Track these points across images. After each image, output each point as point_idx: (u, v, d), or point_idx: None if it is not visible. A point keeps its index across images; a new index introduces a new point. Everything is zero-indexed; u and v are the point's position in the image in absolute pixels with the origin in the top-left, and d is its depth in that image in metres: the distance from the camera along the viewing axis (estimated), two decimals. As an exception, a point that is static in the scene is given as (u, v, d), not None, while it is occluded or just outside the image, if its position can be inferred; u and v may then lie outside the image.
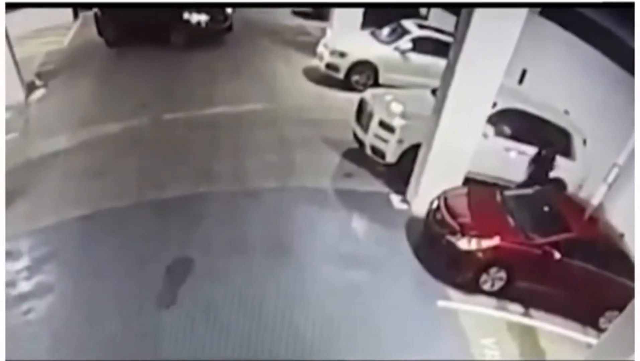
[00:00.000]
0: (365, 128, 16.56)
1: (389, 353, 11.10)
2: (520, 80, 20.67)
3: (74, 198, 14.28)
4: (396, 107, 16.07)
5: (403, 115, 15.87)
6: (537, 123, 16.16)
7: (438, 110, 14.17)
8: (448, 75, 13.86)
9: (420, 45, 21.93)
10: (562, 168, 16.34)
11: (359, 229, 15.03)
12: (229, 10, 26.19)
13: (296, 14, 32.71)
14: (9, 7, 16.20)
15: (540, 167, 16.01)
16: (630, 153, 15.31)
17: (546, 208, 13.84)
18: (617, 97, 16.14)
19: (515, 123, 16.06)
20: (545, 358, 11.93)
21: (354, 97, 18.05)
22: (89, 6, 24.09)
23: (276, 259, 13.05)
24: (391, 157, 16.11)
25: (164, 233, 13.41)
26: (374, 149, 16.35)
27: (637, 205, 13.98)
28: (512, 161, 16.12)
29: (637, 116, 14.48)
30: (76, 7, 26.81)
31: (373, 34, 22.92)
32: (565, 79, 18.44)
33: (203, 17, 24.61)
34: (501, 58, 13.31)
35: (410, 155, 15.59)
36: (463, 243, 12.73)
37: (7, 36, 17.30)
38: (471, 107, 13.76)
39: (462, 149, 14.28)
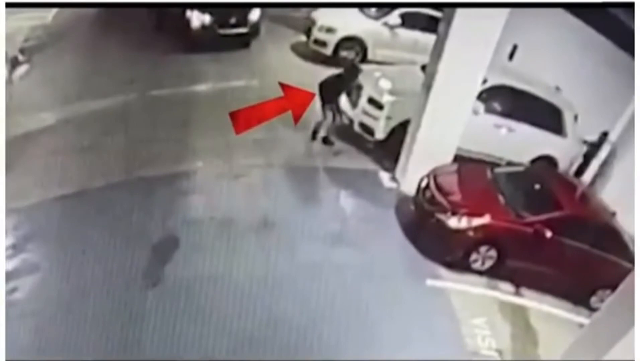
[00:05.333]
0: (354, 105, 16.38)
1: (378, 333, 11.08)
2: (511, 56, 20.51)
3: (59, 176, 14.07)
4: (385, 84, 15.92)
5: (392, 92, 15.71)
6: (528, 100, 16.04)
7: (427, 86, 14.02)
8: (437, 51, 13.70)
9: (409, 20, 21.68)
10: (553, 145, 16.23)
11: (348, 207, 14.87)
12: (254, 16, 22.17)
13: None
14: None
15: None
16: (622, 131, 15.25)
17: (537, 186, 13.79)
18: (610, 74, 16.03)
19: (505, 99, 15.96)
20: (537, 338, 11.89)
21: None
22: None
23: (263, 237, 12.98)
24: (380, 134, 15.98)
25: (150, 211, 13.28)
26: (363, 126, 16.20)
27: (638, 187, 13.83)
28: (503, 138, 15.98)
29: (637, 107, 14.46)
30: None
31: (362, 9, 22.61)
32: (556, 55, 18.30)
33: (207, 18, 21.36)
34: (491, 33, 13.18)
35: (400, 132, 15.42)
36: (453, 222, 12.64)
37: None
38: (461, 83, 13.62)
39: (452, 126, 14.16)
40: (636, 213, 13.73)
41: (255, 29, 22.45)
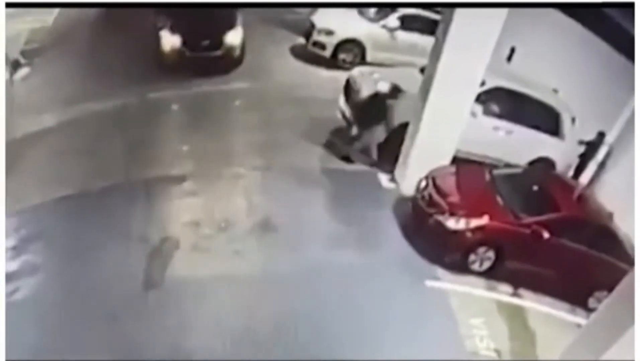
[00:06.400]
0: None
1: (377, 333, 11.11)
2: (509, 58, 20.55)
3: (60, 178, 14.18)
4: (383, 86, 15.89)
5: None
6: (526, 102, 16.08)
7: (426, 88, 14.04)
8: (436, 53, 13.72)
9: (408, 22, 21.65)
10: (550, 147, 16.29)
11: (347, 209, 14.87)
12: (231, 38, 20.01)
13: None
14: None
15: None
16: (619, 132, 15.29)
17: (535, 188, 13.81)
18: (606, 76, 16.07)
19: (503, 102, 15.96)
20: (535, 339, 11.95)
21: (342, 76, 17.92)
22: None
23: (263, 238, 13.03)
24: (379, 136, 15.95)
25: (150, 213, 13.40)
26: (362, 128, 16.15)
27: (637, 189, 13.87)
28: (501, 140, 16.01)
29: (637, 109, 14.52)
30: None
31: (360, 11, 22.63)
32: (554, 57, 18.33)
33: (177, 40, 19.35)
34: (489, 36, 13.18)
35: (399, 134, 15.45)
36: (451, 223, 12.69)
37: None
38: (459, 85, 13.64)
39: (450, 128, 14.19)
40: (636, 215, 13.77)
41: (235, 53, 20.38)
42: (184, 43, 19.36)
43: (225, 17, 20.31)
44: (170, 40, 19.30)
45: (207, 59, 19.84)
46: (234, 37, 20.09)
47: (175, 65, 19.68)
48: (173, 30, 19.38)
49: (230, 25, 20.12)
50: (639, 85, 14.01)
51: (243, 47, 20.74)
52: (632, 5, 12.20)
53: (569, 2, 16.46)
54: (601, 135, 16.03)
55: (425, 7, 21.40)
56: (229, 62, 20.39)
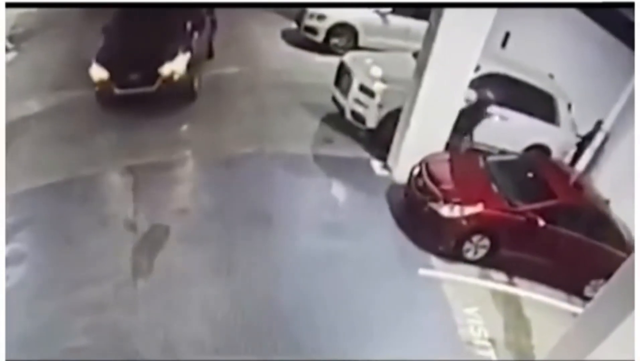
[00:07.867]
0: (345, 93, 16.25)
1: (369, 322, 11.00)
2: (504, 44, 20.41)
3: (46, 164, 14.11)
4: (376, 71, 15.76)
5: (383, 79, 15.55)
6: (521, 88, 15.92)
7: (419, 74, 13.90)
8: (429, 38, 13.57)
9: (400, 7, 21.51)
10: (546, 134, 16.15)
11: (340, 196, 14.79)
12: (169, 70, 16.20)
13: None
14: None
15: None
16: (616, 119, 15.18)
17: (530, 175, 13.68)
18: (603, 61, 15.99)
19: (498, 87, 15.73)
20: (530, 328, 11.85)
21: (334, 61, 17.75)
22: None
23: (255, 227, 12.87)
24: (372, 122, 15.86)
25: (139, 200, 13.22)
26: (354, 114, 16.05)
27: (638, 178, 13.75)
28: (495, 126, 15.84)
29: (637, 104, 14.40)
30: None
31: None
32: (549, 42, 18.26)
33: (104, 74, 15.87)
34: (483, 20, 13.04)
35: (392, 120, 15.30)
36: (445, 210, 12.54)
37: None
38: (453, 70, 13.51)
39: (444, 114, 14.09)
40: (636, 205, 13.66)
41: (180, 86, 16.75)
42: (111, 77, 15.97)
43: (163, 46, 16.65)
44: (98, 73, 15.95)
45: (141, 96, 16.36)
46: (174, 68, 16.36)
47: (109, 102, 16.57)
48: (99, 61, 16.10)
49: (171, 55, 16.43)
50: (639, 84, 13.96)
51: (198, 78, 17.78)
52: (632, 5, 12.16)
53: (570, 2, 16.38)
54: (599, 124, 15.91)
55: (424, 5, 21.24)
56: (171, 99, 16.85)
